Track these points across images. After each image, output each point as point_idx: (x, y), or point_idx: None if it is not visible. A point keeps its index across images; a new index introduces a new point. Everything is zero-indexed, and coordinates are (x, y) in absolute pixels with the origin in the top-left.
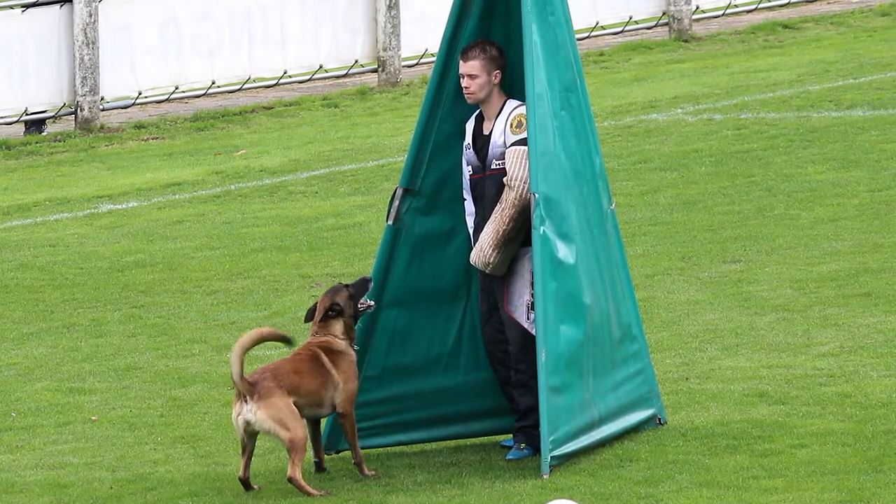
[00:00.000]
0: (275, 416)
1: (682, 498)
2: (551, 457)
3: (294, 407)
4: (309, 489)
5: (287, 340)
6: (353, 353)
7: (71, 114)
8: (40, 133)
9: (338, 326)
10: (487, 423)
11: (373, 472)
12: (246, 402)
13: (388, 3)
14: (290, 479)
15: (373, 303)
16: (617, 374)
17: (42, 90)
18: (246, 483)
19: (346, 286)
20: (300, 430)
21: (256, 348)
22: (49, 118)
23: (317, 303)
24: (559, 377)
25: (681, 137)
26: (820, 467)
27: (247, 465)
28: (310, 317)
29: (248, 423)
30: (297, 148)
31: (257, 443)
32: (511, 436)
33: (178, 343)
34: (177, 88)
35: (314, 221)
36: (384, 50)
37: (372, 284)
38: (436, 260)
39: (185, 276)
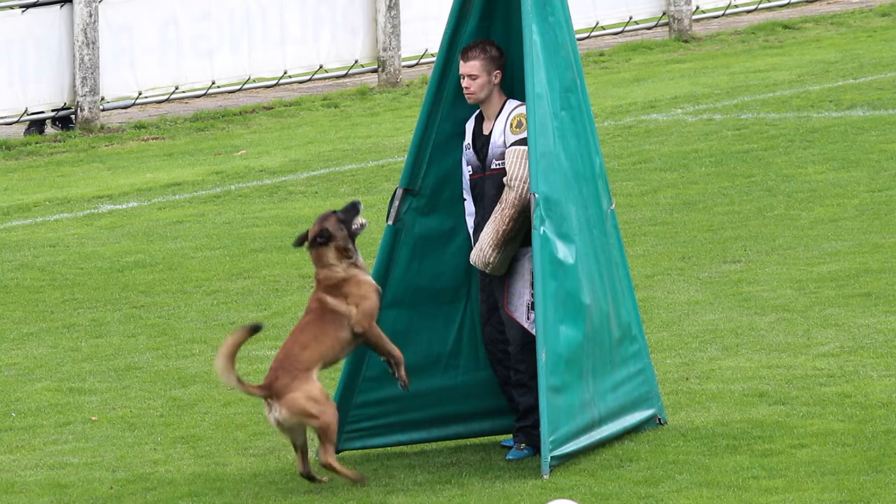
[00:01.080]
0: (299, 409)
1: (682, 498)
2: (551, 457)
3: (317, 388)
4: (346, 472)
5: (256, 329)
6: (354, 271)
7: (71, 114)
8: (41, 133)
9: (331, 254)
10: (487, 423)
11: (407, 383)
12: (270, 404)
13: (388, 3)
14: (325, 465)
15: (366, 220)
16: (617, 375)
17: (42, 90)
18: (309, 476)
19: (335, 212)
20: (328, 412)
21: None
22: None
23: (307, 230)
24: (559, 377)
25: (681, 137)
26: (820, 467)
27: (304, 460)
28: (298, 241)
29: (279, 423)
30: (297, 148)
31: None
32: (511, 436)
33: (178, 343)
34: (177, 88)
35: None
36: (384, 50)
37: (361, 206)
38: (436, 260)
39: (185, 276)
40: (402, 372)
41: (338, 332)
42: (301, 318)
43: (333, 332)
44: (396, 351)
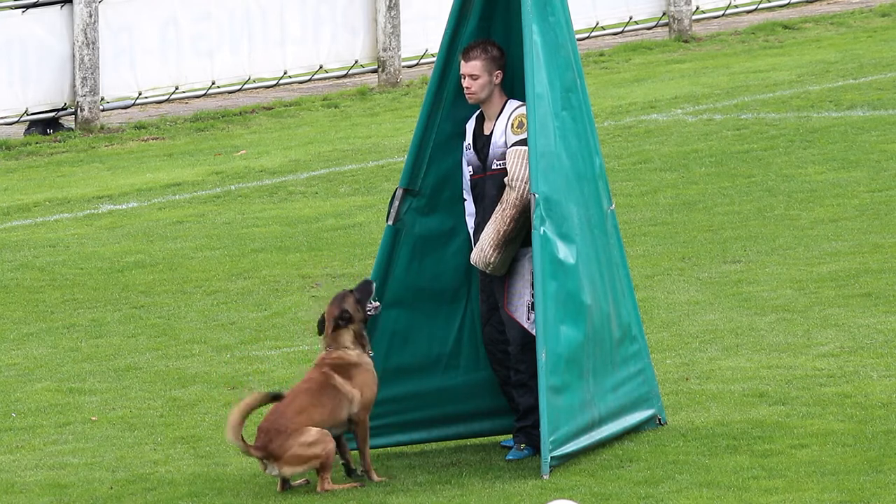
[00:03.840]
0: (300, 461)
1: (683, 498)
2: (551, 457)
3: (311, 432)
4: (346, 486)
5: (276, 398)
6: (367, 360)
7: (59, 118)
8: (50, 133)
9: (347, 336)
10: (487, 424)
11: (382, 479)
12: (266, 463)
13: (388, 3)
14: (324, 492)
15: (379, 304)
16: (617, 375)
17: (42, 90)
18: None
19: (351, 291)
20: (328, 448)
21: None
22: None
23: (324, 313)
24: (559, 377)
25: (681, 138)
26: (820, 468)
27: (283, 484)
28: (322, 328)
29: (279, 477)
30: (297, 148)
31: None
32: (511, 436)
33: (178, 343)
34: (177, 89)
35: (314, 222)
36: (384, 50)
37: (375, 286)
38: (436, 260)
39: (185, 276)
40: (373, 475)
41: (334, 410)
42: (299, 384)
43: (330, 407)
44: (368, 458)
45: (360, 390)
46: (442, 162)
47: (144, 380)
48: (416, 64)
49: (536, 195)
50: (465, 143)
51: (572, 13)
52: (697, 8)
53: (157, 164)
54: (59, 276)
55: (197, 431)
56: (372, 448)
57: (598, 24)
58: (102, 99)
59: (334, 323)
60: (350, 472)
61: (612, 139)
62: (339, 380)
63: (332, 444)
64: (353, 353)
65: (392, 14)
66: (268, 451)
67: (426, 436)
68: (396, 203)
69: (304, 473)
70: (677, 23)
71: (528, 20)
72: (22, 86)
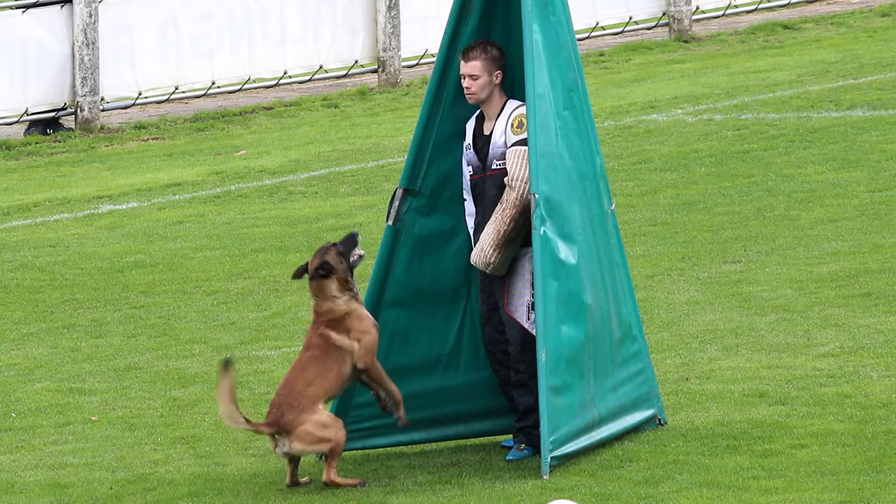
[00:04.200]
0: (312, 439)
1: (683, 498)
2: (551, 457)
3: (325, 414)
4: (348, 482)
5: (228, 363)
6: (356, 305)
7: (71, 115)
8: (50, 133)
9: (332, 286)
10: (487, 424)
11: (405, 422)
12: (277, 439)
13: (388, 3)
14: (327, 483)
15: (363, 252)
16: (617, 375)
17: (42, 90)
18: (296, 485)
19: (334, 244)
20: (340, 434)
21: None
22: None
23: (307, 262)
24: (559, 377)
25: (681, 138)
26: (820, 468)
27: (293, 472)
28: (297, 273)
29: (288, 455)
30: (297, 148)
31: (259, 443)
32: (511, 436)
33: (178, 343)
34: (177, 89)
35: (314, 222)
36: (384, 50)
37: (359, 237)
38: (436, 260)
39: (185, 276)
40: (402, 411)
41: (341, 368)
42: (302, 353)
43: (337, 368)
44: (396, 390)
45: (357, 339)
46: (442, 162)
47: (144, 380)
48: (416, 64)
49: (537, 195)
50: (465, 143)
51: (572, 13)
52: (697, 8)
53: (157, 164)
54: (59, 276)
55: (197, 431)
56: (372, 448)
57: (598, 24)
58: (102, 99)
59: (314, 273)
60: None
61: (612, 139)
62: (335, 336)
63: (343, 433)
64: (342, 302)
65: (392, 14)
66: (280, 425)
67: (426, 436)
68: (396, 203)
69: (312, 454)
70: (677, 23)
71: (529, 20)
72: (22, 86)
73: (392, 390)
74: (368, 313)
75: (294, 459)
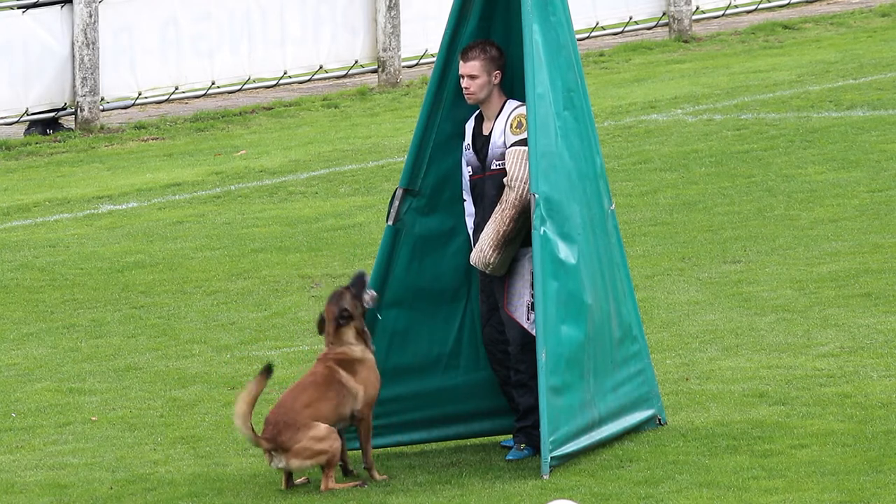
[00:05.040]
0: (309, 455)
1: (682, 498)
2: (551, 457)
3: (318, 429)
4: (347, 485)
5: (269, 370)
6: (370, 356)
7: (71, 115)
8: (50, 133)
9: (350, 332)
10: (487, 424)
11: (384, 477)
12: (273, 455)
13: (388, 3)
14: (326, 490)
15: (375, 292)
16: (617, 375)
17: (42, 90)
18: (290, 487)
19: (347, 288)
20: (334, 445)
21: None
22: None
23: (323, 312)
24: (559, 377)
25: (681, 138)
26: (820, 468)
27: (288, 480)
28: (321, 328)
29: (285, 471)
30: (297, 148)
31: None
32: (511, 436)
33: (178, 343)
34: (177, 89)
35: (314, 222)
36: (384, 50)
37: (368, 277)
38: (436, 260)
39: (185, 276)
40: (374, 476)
41: (339, 405)
42: (304, 377)
43: (335, 403)
44: (371, 455)
45: (363, 386)
46: (442, 162)
47: (144, 380)
48: (416, 64)
49: (537, 195)
50: (465, 144)
51: (572, 13)
52: (697, 8)
53: (157, 164)
54: (59, 276)
55: (197, 431)
56: (372, 448)
57: (598, 24)
58: (102, 99)
59: (335, 322)
60: (347, 473)
61: (612, 139)
62: (343, 375)
63: (338, 443)
64: (357, 349)
65: (392, 14)
66: (277, 442)
67: (426, 436)
68: (396, 203)
69: (308, 468)
70: (677, 23)
71: (529, 20)
72: (22, 86)
73: (369, 452)
74: (377, 371)
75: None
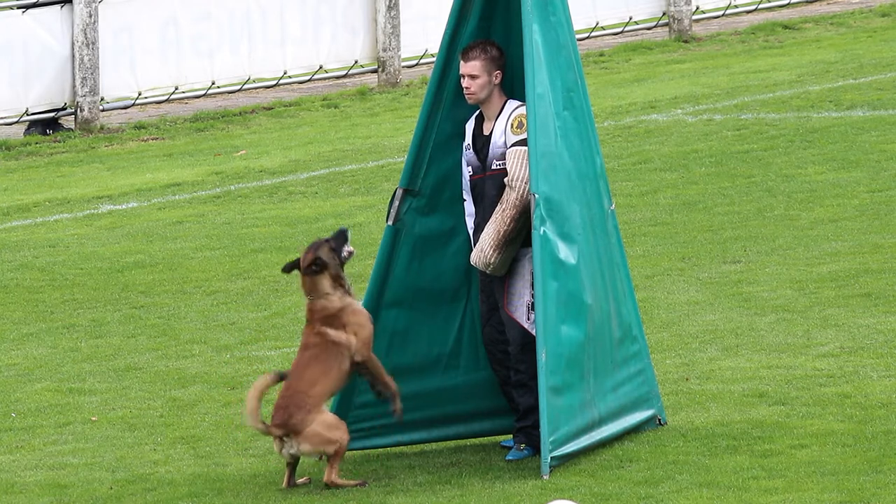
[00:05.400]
0: (320, 441)
1: (682, 498)
2: (551, 457)
3: (329, 416)
4: (349, 483)
5: (284, 377)
6: (349, 300)
7: (71, 115)
8: (50, 133)
9: (325, 282)
10: (487, 424)
11: (401, 413)
12: (283, 440)
13: (388, 3)
14: (328, 484)
15: (353, 249)
16: (617, 375)
17: (42, 90)
18: (292, 486)
19: (327, 240)
20: (344, 436)
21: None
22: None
23: (298, 258)
24: (559, 377)
25: (681, 138)
26: (820, 468)
27: (291, 475)
28: (288, 268)
29: (294, 456)
30: (297, 148)
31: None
32: (511, 436)
33: (178, 343)
34: (177, 89)
35: (314, 222)
36: (384, 50)
37: (349, 233)
38: (436, 260)
39: (185, 276)
40: (398, 404)
41: (341, 365)
42: (301, 353)
43: (337, 366)
44: (393, 383)
45: (354, 333)
46: (442, 162)
47: (144, 380)
48: (416, 64)
49: (536, 195)
50: (465, 144)
51: (572, 13)
52: (697, 8)
53: (157, 164)
54: (59, 276)
55: (197, 431)
56: (372, 448)
57: (598, 24)
58: (102, 99)
59: (307, 269)
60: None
61: (612, 139)
62: (333, 333)
63: (347, 435)
64: (335, 298)
65: (392, 14)
66: (288, 426)
67: (426, 436)
68: (396, 203)
69: (318, 455)
70: (677, 23)
71: (529, 20)
72: (22, 86)
73: (388, 383)
74: (362, 306)
75: (294, 462)
